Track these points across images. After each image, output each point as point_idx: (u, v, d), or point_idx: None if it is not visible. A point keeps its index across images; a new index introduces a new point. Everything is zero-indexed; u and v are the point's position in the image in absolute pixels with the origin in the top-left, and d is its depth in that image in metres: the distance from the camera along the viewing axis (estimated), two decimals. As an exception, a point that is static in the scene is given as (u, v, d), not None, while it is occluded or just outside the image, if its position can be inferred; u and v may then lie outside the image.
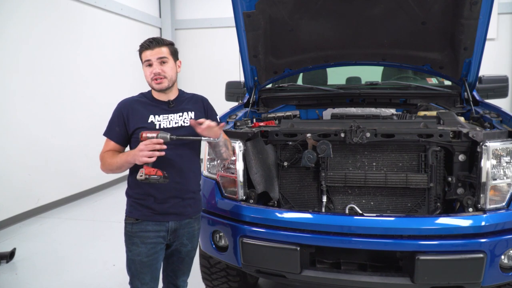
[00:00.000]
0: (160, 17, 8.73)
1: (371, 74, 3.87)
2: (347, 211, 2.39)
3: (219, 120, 2.20)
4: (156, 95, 2.04)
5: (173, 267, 2.16)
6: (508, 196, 2.15)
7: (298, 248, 2.13)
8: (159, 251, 2.02)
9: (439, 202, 2.35)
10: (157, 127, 1.96)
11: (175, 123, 2.00)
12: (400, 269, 2.15)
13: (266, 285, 3.27)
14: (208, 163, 2.55)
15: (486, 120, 2.55)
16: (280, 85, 3.60)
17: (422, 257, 2.00)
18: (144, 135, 1.84)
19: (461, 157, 2.29)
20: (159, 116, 1.98)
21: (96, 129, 6.40)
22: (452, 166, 2.32)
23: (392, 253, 2.12)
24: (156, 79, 1.96)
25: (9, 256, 3.79)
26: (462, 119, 2.65)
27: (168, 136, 1.83)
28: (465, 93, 2.93)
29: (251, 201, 2.41)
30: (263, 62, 3.04)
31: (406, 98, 3.11)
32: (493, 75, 3.55)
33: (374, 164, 2.42)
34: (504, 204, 2.14)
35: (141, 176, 1.81)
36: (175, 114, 2.02)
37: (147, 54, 1.95)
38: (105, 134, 2.02)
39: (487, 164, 2.12)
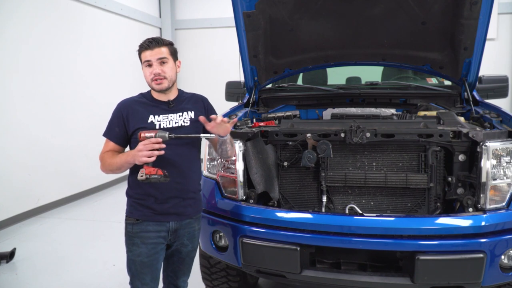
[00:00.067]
0: (160, 17, 8.73)
1: (371, 74, 3.87)
2: (347, 211, 2.39)
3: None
4: (155, 95, 2.04)
5: (173, 267, 2.15)
6: (508, 196, 2.15)
7: (298, 248, 2.13)
8: (159, 251, 2.01)
9: (439, 202, 2.35)
10: (157, 127, 1.96)
11: (175, 123, 2.00)
12: (400, 269, 2.15)
13: (266, 285, 3.27)
14: (208, 163, 2.55)
15: (486, 120, 2.55)
16: (280, 85, 3.60)
17: (422, 257, 2.00)
18: (142, 135, 1.83)
19: (461, 157, 2.29)
20: (159, 116, 1.98)
21: (96, 129, 6.40)
22: (452, 166, 2.32)
23: (392, 253, 2.12)
24: (156, 80, 1.95)
25: (9, 256, 3.79)
26: (462, 119, 2.66)
27: (166, 135, 1.83)
28: (465, 93, 2.93)
29: (251, 201, 2.41)
30: (263, 62, 3.04)
31: (406, 98, 3.11)
32: (493, 75, 3.55)
33: (374, 164, 2.42)
34: (504, 204, 2.14)
35: (141, 176, 1.80)
36: (175, 114, 2.02)
37: (147, 54, 1.95)
38: (105, 134, 2.02)
39: (487, 164, 2.12)
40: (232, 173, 2.40)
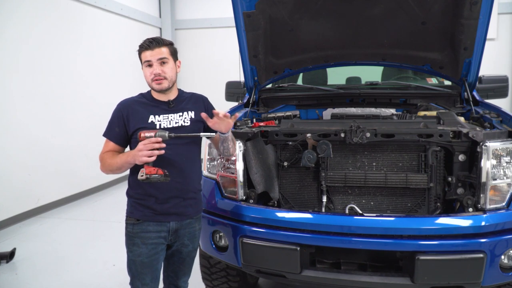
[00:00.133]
0: (160, 17, 8.73)
1: (371, 74, 3.87)
2: (347, 211, 2.39)
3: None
4: (156, 95, 2.04)
5: (174, 267, 2.15)
6: (508, 196, 2.15)
7: (298, 248, 2.13)
8: (160, 251, 2.01)
9: (439, 202, 2.35)
10: (158, 127, 1.96)
11: (176, 123, 2.00)
12: (400, 269, 2.15)
13: (266, 285, 3.27)
14: (208, 163, 2.55)
15: (486, 120, 2.55)
16: (280, 85, 3.60)
17: (422, 257, 2.00)
18: (142, 134, 1.83)
19: (461, 157, 2.29)
20: (159, 116, 1.98)
21: (96, 129, 6.41)
22: (452, 166, 2.32)
23: (392, 253, 2.12)
24: (156, 80, 1.95)
25: (9, 256, 3.79)
26: (462, 119, 2.66)
27: (166, 134, 1.83)
28: (465, 93, 2.93)
29: (251, 201, 2.41)
30: (263, 62, 3.04)
31: (406, 98, 3.11)
32: (493, 75, 3.55)
33: (374, 164, 2.42)
34: (504, 204, 2.14)
35: (142, 176, 1.80)
36: (175, 114, 2.02)
37: (147, 54, 1.94)
38: (105, 134, 2.02)
39: (487, 164, 2.12)
40: (232, 173, 2.40)
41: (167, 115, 2.00)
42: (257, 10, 2.69)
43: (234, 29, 2.80)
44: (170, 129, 1.95)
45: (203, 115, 1.88)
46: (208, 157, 2.54)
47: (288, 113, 3.07)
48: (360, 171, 2.42)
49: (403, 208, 2.39)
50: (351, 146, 2.40)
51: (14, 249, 3.88)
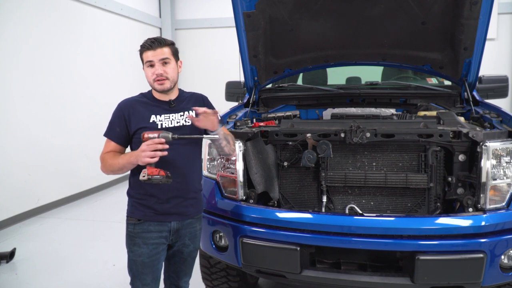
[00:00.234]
0: (160, 17, 8.73)
1: (371, 74, 3.87)
2: (347, 211, 2.39)
3: (219, 118, 2.20)
4: (157, 95, 2.04)
5: (175, 267, 2.15)
6: (508, 196, 2.15)
7: (298, 248, 2.13)
8: (161, 251, 2.01)
9: (439, 202, 2.35)
10: (159, 127, 1.96)
11: (177, 122, 2.00)
12: (400, 269, 2.15)
13: (266, 285, 3.27)
14: (208, 163, 2.55)
15: (486, 120, 2.55)
16: (280, 85, 3.60)
17: (422, 257, 2.00)
18: (146, 135, 1.83)
19: (461, 157, 2.29)
20: (160, 116, 1.98)
21: (96, 129, 6.41)
22: (452, 166, 2.32)
23: (392, 253, 2.12)
24: (158, 80, 1.95)
25: (9, 256, 3.79)
26: (462, 119, 2.65)
27: (170, 135, 1.82)
28: (465, 93, 2.93)
29: (251, 201, 2.41)
30: (263, 62, 3.04)
31: (406, 98, 3.11)
32: (493, 75, 3.55)
33: (374, 164, 2.42)
34: (504, 204, 2.14)
35: (143, 176, 1.80)
36: (176, 114, 2.02)
37: (149, 55, 1.94)
38: (106, 134, 2.01)
39: (487, 164, 2.12)
40: (232, 173, 2.40)
41: (168, 114, 2.00)
42: (257, 10, 2.69)
43: (234, 29, 2.80)
44: (171, 129, 1.95)
45: (190, 116, 1.88)
46: (208, 157, 2.54)
47: (288, 113, 3.07)
48: (360, 171, 2.42)
49: (403, 208, 2.39)
50: (351, 146, 2.40)
51: (14, 249, 3.88)
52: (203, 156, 2.43)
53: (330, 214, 2.31)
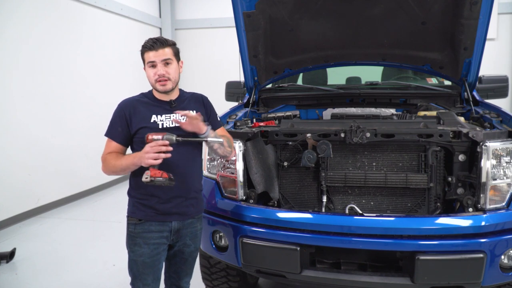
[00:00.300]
0: (160, 17, 8.74)
1: (371, 74, 3.87)
2: (347, 211, 2.39)
3: (218, 119, 2.20)
4: (157, 95, 2.03)
5: (176, 268, 2.15)
6: (508, 196, 2.15)
7: (298, 248, 2.13)
8: (161, 251, 2.01)
9: (439, 202, 2.35)
10: (160, 126, 1.96)
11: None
12: (400, 269, 2.15)
13: (266, 285, 3.27)
14: (208, 163, 2.55)
15: (486, 120, 2.55)
16: (280, 85, 3.60)
17: (422, 257, 2.00)
18: (150, 137, 1.82)
19: (461, 157, 2.29)
20: (161, 116, 1.98)
21: (96, 129, 6.40)
22: (452, 166, 2.32)
23: (392, 253, 2.12)
24: (160, 81, 1.95)
25: (9, 256, 3.79)
26: (462, 119, 2.66)
27: (174, 138, 1.82)
28: (465, 93, 2.93)
29: (251, 201, 2.41)
30: (263, 62, 3.04)
31: (406, 98, 3.11)
32: (493, 75, 3.55)
33: (374, 164, 2.42)
34: (504, 204, 2.14)
35: (146, 178, 1.79)
36: (177, 114, 2.01)
37: (151, 55, 1.93)
38: (107, 134, 2.00)
39: (487, 164, 2.12)
40: (232, 173, 2.40)
41: (169, 114, 2.00)
42: (257, 10, 2.69)
43: (234, 29, 2.80)
44: (172, 129, 1.95)
45: (175, 121, 1.89)
46: (208, 157, 2.54)
47: (288, 113, 3.07)
48: (360, 171, 2.42)
49: (403, 208, 2.39)
50: (351, 146, 2.40)
51: (14, 249, 3.88)
52: (203, 156, 2.43)
53: (330, 214, 2.31)
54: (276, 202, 2.51)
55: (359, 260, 2.24)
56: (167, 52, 1.94)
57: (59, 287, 3.34)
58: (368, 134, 2.25)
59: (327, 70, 3.92)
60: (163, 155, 1.79)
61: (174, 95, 2.05)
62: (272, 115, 3.05)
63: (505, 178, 2.15)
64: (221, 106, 3.09)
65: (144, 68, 2.00)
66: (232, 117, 2.86)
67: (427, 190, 2.34)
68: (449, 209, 2.38)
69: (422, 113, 2.84)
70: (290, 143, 2.47)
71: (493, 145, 2.13)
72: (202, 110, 2.10)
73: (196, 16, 8.81)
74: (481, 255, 1.99)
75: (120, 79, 7.03)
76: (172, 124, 1.98)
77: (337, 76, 4.01)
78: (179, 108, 2.03)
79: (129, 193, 2.04)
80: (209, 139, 1.91)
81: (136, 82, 6.79)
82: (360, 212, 2.37)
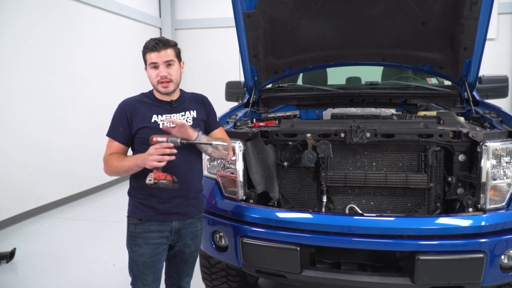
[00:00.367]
0: (160, 17, 8.74)
1: (371, 74, 3.87)
2: (347, 211, 2.39)
3: (218, 119, 2.20)
4: (158, 95, 2.03)
5: (176, 268, 2.15)
6: (508, 196, 2.15)
7: (298, 248, 2.13)
8: (162, 251, 2.01)
9: (439, 202, 2.35)
10: (160, 127, 1.96)
11: None
12: (400, 269, 2.15)
13: (266, 285, 3.27)
14: (208, 163, 2.55)
15: (486, 120, 2.55)
16: (280, 85, 3.60)
17: (422, 257, 2.00)
18: (154, 139, 1.81)
19: (461, 157, 2.29)
20: (162, 116, 1.98)
21: (96, 129, 6.39)
22: (452, 166, 2.32)
23: (392, 253, 2.12)
24: (162, 82, 1.94)
25: (9, 256, 3.79)
26: (462, 119, 2.66)
27: (178, 140, 1.81)
28: (465, 93, 2.93)
29: (251, 201, 2.41)
30: (263, 62, 3.04)
31: (406, 98, 3.11)
32: (493, 75, 3.55)
33: (374, 164, 2.42)
34: (504, 204, 2.14)
35: (150, 180, 1.78)
36: (178, 114, 2.02)
37: (153, 56, 1.92)
38: (109, 134, 1.99)
39: (487, 164, 2.12)
40: (232, 173, 2.40)
41: (169, 115, 2.00)
42: (257, 10, 2.69)
43: (234, 29, 2.80)
44: (173, 129, 1.95)
45: (164, 127, 1.87)
46: (208, 157, 2.54)
47: (288, 113, 3.07)
48: (360, 171, 2.42)
49: (403, 208, 2.39)
50: (351, 146, 2.40)
51: (14, 249, 3.88)
52: (203, 156, 2.43)
53: (330, 214, 2.31)
54: (276, 202, 2.51)
55: (359, 260, 2.24)
56: (169, 53, 1.94)
57: (59, 287, 3.34)
58: (368, 134, 2.25)
59: (327, 70, 3.92)
60: (167, 158, 1.79)
61: (175, 96, 2.05)
62: (272, 115, 3.05)
63: (505, 178, 2.15)
64: (221, 106, 3.09)
65: (145, 68, 2.00)
66: (232, 117, 2.86)
67: (427, 190, 2.34)
68: (449, 209, 2.38)
69: (422, 113, 2.84)
70: (290, 143, 2.47)
71: (493, 145, 2.13)
72: (202, 110, 2.10)
73: (196, 16, 8.81)
74: (481, 255, 1.99)
75: (120, 79, 7.03)
76: (172, 124, 1.98)
77: (337, 76, 4.01)
78: (180, 108, 2.04)
79: (129, 193, 2.04)
80: (214, 142, 1.90)
81: (136, 82, 6.80)
82: (360, 212, 2.37)
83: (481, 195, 2.13)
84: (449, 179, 2.30)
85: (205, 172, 2.54)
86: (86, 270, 3.60)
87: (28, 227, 4.76)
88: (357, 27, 2.91)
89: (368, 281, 2.12)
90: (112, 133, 1.99)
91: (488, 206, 2.12)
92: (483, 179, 2.12)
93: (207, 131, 2.11)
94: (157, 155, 1.77)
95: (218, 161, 2.48)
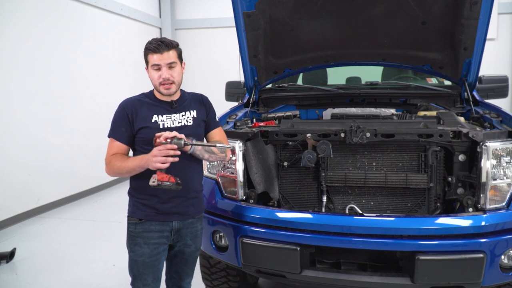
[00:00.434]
0: (160, 17, 8.74)
1: (371, 74, 3.87)
2: (347, 211, 2.39)
3: (217, 119, 2.20)
4: (159, 95, 2.03)
5: (176, 268, 2.15)
6: (508, 196, 2.15)
7: (298, 248, 2.13)
8: (162, 251, 2.01)
9: (439, 202, 2.35)
10: (161, 127, 1.96)
11: (178, 122, 2.00)
12: (400, 269, 2.15)
13: (266, 285, 3.27)
14: (208, 163, 2.55)
15: (486, 120, 2.55)
16: (280, 85, 3.60)
17: (422, 257, 2.00)
18: (158, 140, 1.81)
19: (461, 157, 2.29)
20: (162, 116, 1.98)
21: (96, 129, 6.39)
22: (452, 166, 2.32)
23: (392, 253, 2.12)
24: (164, 84, 1.94)
25: (9, 256, 3.79)
26: (462, 119, 2.66)
27: (182, 142, 1.81)
28: (465, 93, 2.93)
29: (251, 201, 2.41)
30: (263, 62, 3.04)
31: (406, 98, 3.11)
32: (493, 75, 3.55)
33: (374, 164, 2.42)
34: (504, 204, 2.14)
35: (153, 182, 1.78)
36: (178, 114, 2.02)
37: (155, 58, 1.92)
38: (110, 135, 1.98)
39: (487, 164, 2.12)
40: (232, 173, 2.40)
41: (170, 115, 2.00)
42: (257, 10, 2.69)
43: (234, 29, 2.80)
44: (173, 129, 1.95)
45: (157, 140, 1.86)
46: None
47: (288, 113, 3.07)
48: (360, 171, 2.42)
49: (403, 208, 2.39)
50: (351, 146, 2.40)
51: (14, 249, 3.88)
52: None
53: (330, 214, 2.31)
54: (276, 202, 2.51)
55: (359, 260, 2.24)
56: (172, 55, 1.93)
57: (59, 287, 3.34)
58: (368, 134, 2.25)
59: (327, 70, 3.92)
60: (170, 159, 1.79)
61: (175, 96, 2.05)
62: (272, 115, 3.05)
63: (505, 178, 2.15)
64: (221, 106, 3.09)
65: (146, 68, 1.99)
66: (232, 117, 2.86)
67: (427, 190, 2.34)
68: (449, 209, 2.38)
69: (422, 113, 2.84)
70: (290, 143, 2.47)
71: (493, 145, 2.13)
72: (202, 110, 2.10)
73: (196, 16, 8.81)
74: (481, 255, 1.99)
75: (120, 79, 7.03)
76: (173, 124, 1.98)
77: (337, 76, 4.01)
78: (180, 108, 2.04)
79: (129, 193, 2.04)
80: (218, 145, 1.90)
81: (136, 82, 6.80)
82: (360, 212, 2.37)
83: (481, 195, 2.13)
84: (449, 179, 2.30)
85: (205, 172, 2.54)
86: (86, 270, 3.60)
87: (28, 227, 4.76)
88: (357, 27, 2.91)
89: (368, 281, 2.12)
90: (113, 134, 1.98)
91: (488, 206, 2.12)
92: (483, 179, 2.12)
93: (206, 130, 2.11)
94: (160, 156, 1.78)
95: (218, 161, 2.48)
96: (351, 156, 2.45)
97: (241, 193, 2.38)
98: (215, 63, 8.62)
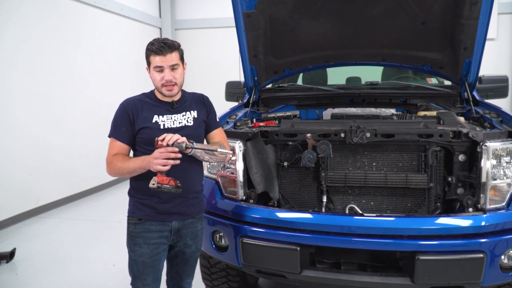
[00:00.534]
0: (160, 17, 8.73)
1: (371, 74, 3.87)
2: (347, 211, 2.39)
3: (217, 119, 2.20)
4: (160, 96, 2.03)
5: (177, 268, 2.15)
6: (508, 196, 2.15)
7: (298, 248, 2.13)
8: (162, 251, 2.01)
9: (439, 202, 2.35)
10: (161, 127, 1.96)
11: (179, 123, 2.00)
12: (400, 269, 2.15)
13: (266, 285, 3.27)
14: (208, 163, 2.55)
15: (486, 120, 2.55)
16: (280, 85, 3.60)
17: (422, 257, 2.00)
18: (159, 142, 1.82)
19: (461, 157, 2.29)
20: (163, 117, 1.98)
21: (96, 129, 6.40)
22: (452, 166, 2.32)
23: (392, 253, 2.12)
24: (166, 86, 1.94)
25: (9, 256, 3.79)
26: (462, 119, 2.66)
27: (184, 145, 1.81)
28: (465, 93, 2.93)
29: (251, 201, 2.41)
30: (263, 62, 3.04)
31: (406, 98, 3.11)
32: (493, 75, 3.55)
33: (374, 164, 2.42)
34: (504, 204, 2.14)
35: (153, 184, 1.78)
36: (179, 114, 2.01)
37: (157, 60, 1.91)
38: (112, 135, 1.98)
39: (487, 164, 2.12)
40: (232, 173, 2.40)
41: (170, 115, 2.00)
42: (257, 10, 2.69)
43: (234, 29, 2.80)
44: (174, 129, 1.95)
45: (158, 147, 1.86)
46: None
47: (288, 113, 3.07)
48: (360, 171, 2.42)
49: (403, 208, 2.39)
50: (351, 146, 2.40)
51: (14, 249, 3.88)
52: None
53: (330, 214, 2.31)
54: (276, 202, 2.52)
55: (359, 260, 2.24)
56: (174, 57, 1.93)
57: (59, 287, 3.34)
58: (368, 134, 2.25)
59: (327, 70, 3.92)
60: (171, 162, 1.79)
61: (176, 96, 2.04)
62: (272, 115, 3.05)
63: (505, 178, 2.15)
64: (221, 106, 3.09)
65: (147, 68, 1.99)
66: (232, 117, 2.86)
67: (427, 190, 2.34)
68: (449, 209, 2.38)
69: (422, 113, 2.84)
70: (290, 143, 2.47)
71: (493, 145, 2.13)
72: (203, 110, 2.10)
73: (196, 16, 8.81)
74: (481, 255, 1.99)
75: (120, 79, 7.03)
76: (173, 124, 1.98)
77: (337, 76, 4.01)
78: (181, 108, 2.04)
79: (129, 193, 2.04)
80: (219, 149, 1.91)
81: (136, 82, 6.81)
82: (360, 212, 2.37)
83: (481, 195, 2.13)
84: (449, 179, 2.30)
85: (205, 172, 2.54)
86: (86, 270, 3.60)
87: (28, 227, 4.76)
88: (357, 27, 2.91)
89: (368, 281, 2.12)
90: (115, 133, 1.98)
91: (488, 206, 2.12)
92: (483, 179, 2.12)
93: (206, 130, 2.11)
94: (161, 159, 1.78)
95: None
96: (351, 156, 2.45)
97: (241, 193, 2.38)
98: (215, 63, 8.62)
